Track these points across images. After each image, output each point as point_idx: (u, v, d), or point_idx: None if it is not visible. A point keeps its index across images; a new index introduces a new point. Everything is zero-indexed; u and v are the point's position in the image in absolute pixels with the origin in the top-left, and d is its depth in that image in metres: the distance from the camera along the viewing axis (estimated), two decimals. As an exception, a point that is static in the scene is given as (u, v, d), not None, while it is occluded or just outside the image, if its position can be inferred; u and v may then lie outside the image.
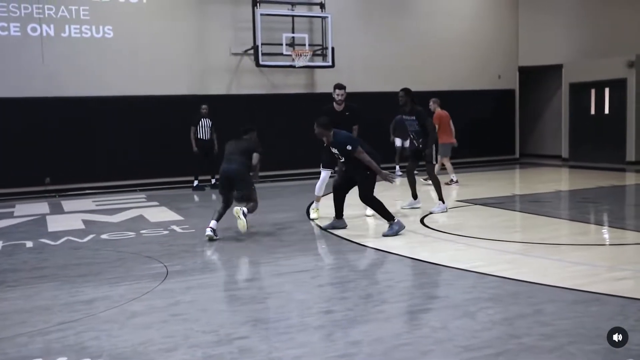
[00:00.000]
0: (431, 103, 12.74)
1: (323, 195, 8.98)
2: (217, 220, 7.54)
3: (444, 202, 8.98)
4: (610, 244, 6.99)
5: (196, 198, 12.01)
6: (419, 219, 8.34)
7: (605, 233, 7.61)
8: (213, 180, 12.84)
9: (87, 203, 11.38)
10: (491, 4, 17.32)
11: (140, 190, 13.14)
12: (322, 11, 14.69)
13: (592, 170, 14.30)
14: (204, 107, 12.87)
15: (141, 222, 8.99)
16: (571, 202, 9.92)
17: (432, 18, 16.45)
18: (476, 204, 9.57)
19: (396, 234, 7.26)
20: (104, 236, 7.84)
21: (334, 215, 7.96)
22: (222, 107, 14.20)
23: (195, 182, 13.07)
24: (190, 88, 14.11)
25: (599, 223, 8.23)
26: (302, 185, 12.98)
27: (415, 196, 9.35)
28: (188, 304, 4.81)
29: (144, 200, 11.66)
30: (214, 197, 11.79)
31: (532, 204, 9.73)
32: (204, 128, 12.84)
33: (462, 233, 7.28)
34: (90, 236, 7.87)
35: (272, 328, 4.29)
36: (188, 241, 7.43)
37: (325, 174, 8.73)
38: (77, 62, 13.08)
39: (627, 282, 5.10)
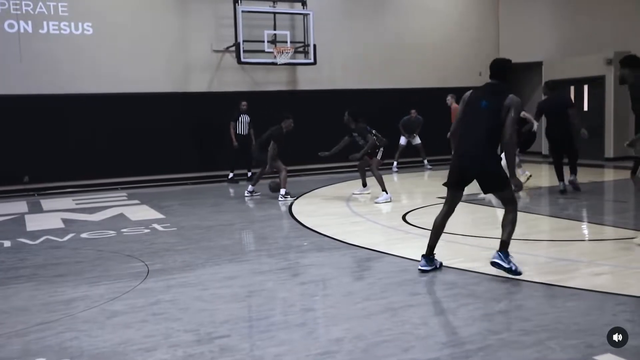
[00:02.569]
0: (449, 98, 13.90)
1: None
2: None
3: (387, 193, 9.78)
4: (589, 240, 7.07)
5: (231, 191, 12.34)
6: (400, 216, 8.37)
7: (584, 229, 7.69)
8: (249, 174, 13.55)
9: (67, 202, 11.26)
10: (472, 1, 17.41)
11: (122, 188, 13.04)
12: (303, 8, 14.67)
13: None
14: (244, 104, 13.23)
15: (122, 220, 8.92)
16: (551, 198, 10.01)
17: (413, 15, 16.50)
18: (457, 201, 9.62)
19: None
20: (83, 235, 7.77)
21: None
22: (204, 104, 14.15)
23: (231, 175, 13.54)
24: (171, 85, 14.02)
25: (578, 219, 8.32)
26: (287, 183, 12.93)
27: (364, 184, 10.69)
28: (169, 303, 4.79)
29: (125, 198, 11.57)
30: (231, 191, 11.97)
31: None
32: (243, 124, 13.20)
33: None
34: (70, 235, 7.79)
35: (253, 326, 4.29)
36: (169, 239, 7.38)
37: None
38: (55, 59, 12.93)
39: (605, 277, 5.17)
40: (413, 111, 14.90)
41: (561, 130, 10.02)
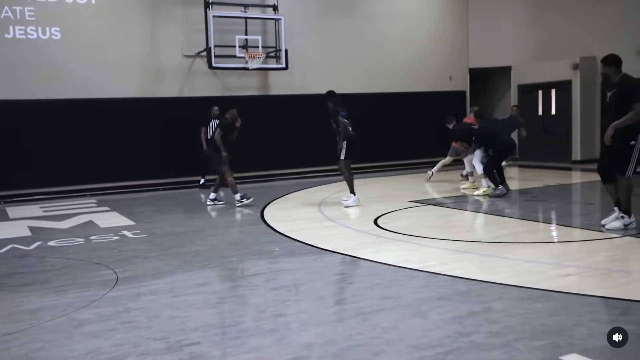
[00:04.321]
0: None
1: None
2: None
3: (354, 195, 9.80)
4: (557, 242, 7.18)
5: (202, 196, 11.95)
6: (372, 220, 8.40)
7: (553, 231, 7.82)
8: (202, 181, 13.49)
9: (34, 209, 11.06)
10: (442, 7, 17.60)
11: (91, 195, 12.86)
12: (275, 13, 14.67)
13: (541, 169, 14.68)
14: (216, 109, 13.07)
15: (91, 227, 8.79)
16: (520, 200, 10.15)
17: (384, 20, 16.61)
18: (428, 204, 9.71)
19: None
20: (51, 243, 7.63)
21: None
22: (175, 109, 14.04)
23: (202, 181, 13.37)
24: (141, 91, 13.88)
25: (547, 221, 8.45)
26: (258, 188, 12.93)
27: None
28: (138, 311, 4.73)
29: (94, 205, 11.41)
30: (202, 196, 11.78)
31: (482, 203, 9.92)
32: (213, 129, 12.91)
33: (414, 233, 7.38)
34: (37, 243, 7.64)
35: (224, 333, 4.26)
36: (139, 246, 7.30)
37: None
38: (22, 64, 12.71)
39: (571, 278, 5.25)
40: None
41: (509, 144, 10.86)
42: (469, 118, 12.36)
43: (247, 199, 10.31)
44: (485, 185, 10.62)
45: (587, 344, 3.74)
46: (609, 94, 7.01)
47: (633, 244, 6.47)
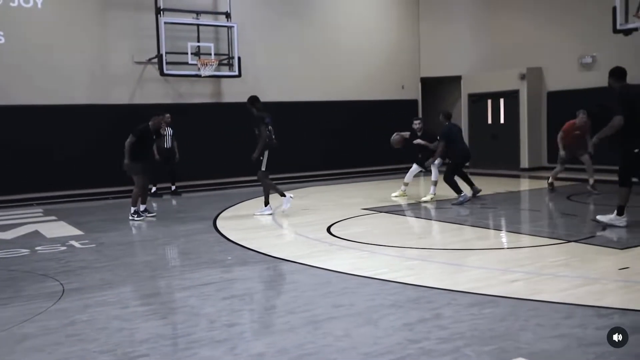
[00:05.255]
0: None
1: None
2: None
3: (267, 205, 9.76)
4: (505, 248, 7.34)
5: (154, 205, 11.62)
6: (325, 228, 8.42)
7: (501, 237, 7.99)
8: (173, 187, 13.37)
9: (-23, 219, 10.68)
10: (394, 17, 17.85)
11: (37, 204, 12.48)
12: (227, 21, 14.61)
13: (490, 176, 14.99)
14: (167, 116, 12.75)
15: (37, 238, 8.53)
16: (471, 207, 10.34)
17: (337, 29, 16.74)
18: (381, 212, 9.80)
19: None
20: (-6, 254, 7.38)
21: None
22: (125, 116, 13.78)
23: (154, 189, 13.01)
24: (90, 97, 13.59)
25: (496, 228, 8.63)
26: (212, 196, 12.80)
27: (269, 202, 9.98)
28: (85, 323, 4.61)
29: (40, 214, 11.08)
30: (154, 205, 11.52)
31: (435, 211, 10.08)
32: (166, 137, 12.86)
33: (367, 241, 7.43)
34: (-21, 255, 7.38)
35: (174, 344, 4.19)
36: (88, 257, 7.12)
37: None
38: (-36, 69, 12.29)
39: (518, 284, 5.38)
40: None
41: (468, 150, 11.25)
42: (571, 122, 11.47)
43: (140, 215, 9.72)
44: (432, 192, 10.86)
45: (532, 348, 3.83)
46: None
47: (579, 249, 6.66)
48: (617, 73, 7.54)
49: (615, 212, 7.61)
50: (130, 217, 9.80)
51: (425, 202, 10.74)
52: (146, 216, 9.93)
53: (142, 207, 9.97)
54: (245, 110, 9.95)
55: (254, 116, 9.66)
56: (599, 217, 7.86)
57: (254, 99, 9.85)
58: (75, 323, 4.62)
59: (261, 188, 10.11)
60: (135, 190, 9.77)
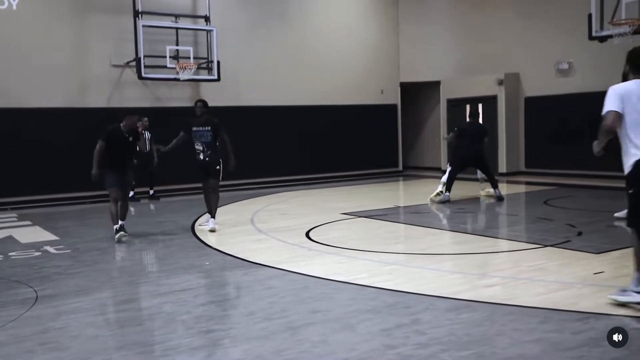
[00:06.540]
0: None
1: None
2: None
3: (213, 217, 8.85)
4: (482, 252, 7.37)
5: (132, 209, 11.21)
6: (304, 233, 8.40)
7: (479, 242, 8.02)
8: (151, 192, 13.27)
9: (-51, 224, 10.47)
10: (374, 22, 17.91)
11: (12, 209, 12.27)
12: (207, 24, 14.54)
13: (469, 181, 15.06)
14: (145, 120, 12.70)
15: (10, 243, 8.39)
16: (450, 212, 10.39)
17: (316, 34, 16.75)
18: (360, 217, 9.80)
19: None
20: (-34, 260, 7.23)
21: None
22: (103, 120, 13.62)
23: (131, 193, 12.56)
24: (67, 100, 13.42)
25: (474, 232, 8.67)
26: (190, 201, 12.70)
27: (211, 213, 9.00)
28: (58, 331, 4.53)
29: (14, 219, 10.90)
30: (132, 210, 11.35)
31: (414, 215, 10.12)
32: (144, 141, 12.73)
33: (345, 246, 7.42)
34: (-49, 261, 7.23)
35: (149, 352, 4.14)
36: (62, 262, 7.01)
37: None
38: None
39: (495, 288, 5.41)
40: None
41: (476, 152, 11.37)
42: None
43: (117, 232, 8.19)
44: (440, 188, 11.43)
45: (509, 352, 3.85)
46: None
47: (555, 254, 6.71)
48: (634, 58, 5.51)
49: None
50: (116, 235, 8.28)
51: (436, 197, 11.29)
52: (121, 235, 8.23)
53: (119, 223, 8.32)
54: (224, 114, 9.88)
55: (215, 124, 8.79)
56: (617, 214, 8.33)
57: (206, 103, 8.95)
58: (48, 331, 4.54)
59: (215, 196, 9.01)
60: (110, 206, 8.34)
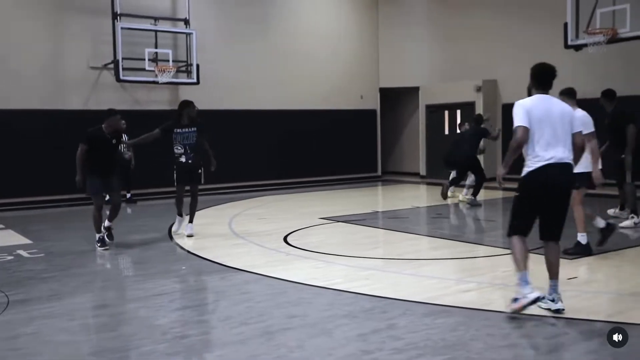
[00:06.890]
0: None
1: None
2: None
3: (190, 222, 8.71)
4: (460, 258, 7.42)
5: (107, 213, 10.88)
6: (282, 238, 8.37)
7: (456, 247, 8.06)
8: (128, 195, 13.02)
9: None
10: (353, 28, 17.97)
11: (-15, 211, 12.08)
12: (186, 27, 14.47)
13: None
14: (123, 123, 12.34)
15: (-17, 247, 8.24)
16: (428, 217, 10.45)
17: (296, 38, 16.75)
18: (338, 222, 9.80)
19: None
20: (-64, 264, 7.09)
21: None
22: (79, 123, 13.47)
23: (107, 197, 12.42)
24: (43, 102, 13.24)
25: (451, 238, 8.71)
26: (168, 204, 12.57)
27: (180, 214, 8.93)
28: (29, 337, 4.46)
29: (-12, 222, 10.73)
30: (129, 210, 11.21)
31: (392, 220, 10.14)
32: (121, 144, 12.33)
33: (323, 250, 7.41)
34: None
35: (123, 357, 4.09)
36: (35, 267, 6.91)
37: None
38: None
39: (471, 293, 5.44)
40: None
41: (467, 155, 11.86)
42: None
43: (104, 244, 7.83)
44: (464, 193, 12.12)
45: (482, 357, 3.88)
46: None
47: (530, 259, 6.76)
48: (608, 95, 8.77)
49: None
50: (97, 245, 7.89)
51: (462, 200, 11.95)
52: (105, 243, 7.88)
53: (107, 224, 8.07)
54: (203, 118, 9.74)
55: (199, 123, 8.71)
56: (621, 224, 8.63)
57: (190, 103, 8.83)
58: (19, 336, 4.47)
59: (197, 199, 8.88)
60: (93, 213, 7.95)
